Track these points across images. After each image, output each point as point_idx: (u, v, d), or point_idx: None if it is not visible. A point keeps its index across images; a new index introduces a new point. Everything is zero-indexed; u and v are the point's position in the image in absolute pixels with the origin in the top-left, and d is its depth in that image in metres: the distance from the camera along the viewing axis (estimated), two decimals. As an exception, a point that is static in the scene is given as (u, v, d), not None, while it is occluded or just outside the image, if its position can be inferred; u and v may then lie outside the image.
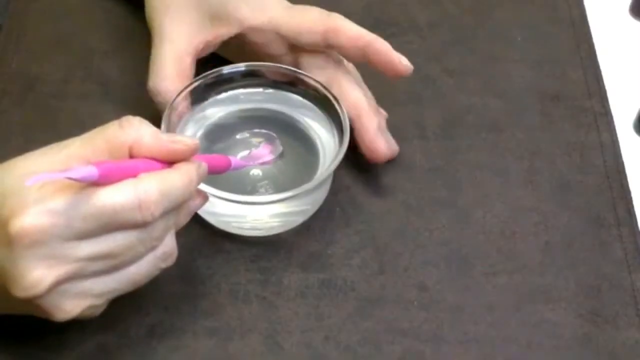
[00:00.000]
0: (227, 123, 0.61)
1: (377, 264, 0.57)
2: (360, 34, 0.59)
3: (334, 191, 0.60)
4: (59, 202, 0.44)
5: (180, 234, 0.57)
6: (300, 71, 0.60)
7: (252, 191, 0.58)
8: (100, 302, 0.48)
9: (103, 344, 0.53)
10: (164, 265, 0.49)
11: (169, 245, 0.49)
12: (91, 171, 0.43)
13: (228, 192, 0.54)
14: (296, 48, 0.61)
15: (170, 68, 0.59)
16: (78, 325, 0.53)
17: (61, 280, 0.45)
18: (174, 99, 0.57)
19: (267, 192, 0.57)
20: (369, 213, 0.60)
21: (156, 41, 0.60)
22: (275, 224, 0.58)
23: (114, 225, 0.45)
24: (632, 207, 0.60)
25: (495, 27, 0.72)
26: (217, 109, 0.61)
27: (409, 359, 0.53)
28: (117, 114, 0.63)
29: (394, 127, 0.64)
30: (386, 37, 0.70)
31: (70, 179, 0.42)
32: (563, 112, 0.66)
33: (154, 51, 0.60)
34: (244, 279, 0.56)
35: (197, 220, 0.58)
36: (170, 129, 0.56)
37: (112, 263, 0.47)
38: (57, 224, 0.44)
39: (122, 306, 0.54)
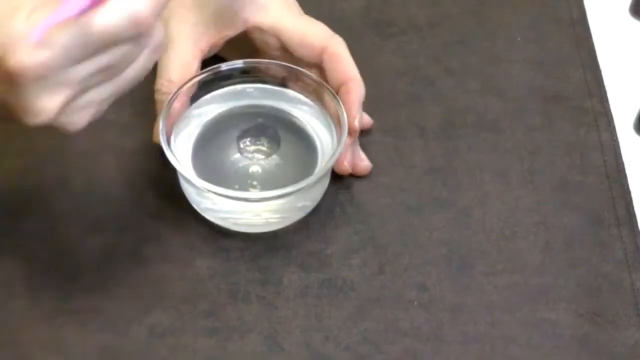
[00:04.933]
0: (225, 119, 0.61)
1: (377, 264, 0.57)
2: (350, 71, 0.59)
3: (334, 191, 0.60)
4: (56, 35, 0.44)
5: (180, 234, 0.58)
6: (297, 67, 0.60)
7: (251, 187, 0.58)
8: (104, 107, 0.49)
9: (103, 344, 0.53)
10: (157, 56, 0.50)
11: (159, 35, 0.48)
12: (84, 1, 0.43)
13: (226, 188, 0.54)
14: (292, 56, 0.61)
15: (177, 72, 0.59)
16: (78, 325, 0.53)
17: (66, 102, 0.46)
18: (172, 96, 0.57)
19: (265, 188, 0.57)
20: (369, 213, 0.60)
21: None
22: (274, 220, 0.58)
23: (112, 44, 0.46)
24: (632, 207, 0.60)
25: (495, 27, 0.72)
26: (215, 106, 0.61)
27: (409, 359, 0.53)
28: (117, 114, 0.64)
29: (394, 127, 0.64)
30: (386, 37, 0.70)
31: (68, 18, 0.43)
32: (563, 112, 0.66)
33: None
34: (244, 279, 0.56)
35: (196, 219, 0.58)
36: (168, 126, 0.57)
37: (111, 72, 0.47)
38: (56, 57, 0.44)
39: (122, 306, 0.54)
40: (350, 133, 0.59)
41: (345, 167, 0.60)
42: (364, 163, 0.61)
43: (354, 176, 0.61)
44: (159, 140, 0.56)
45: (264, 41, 0.61)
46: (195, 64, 0.60)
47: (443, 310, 0.55)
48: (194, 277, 0.56)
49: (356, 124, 0.59)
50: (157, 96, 0.59)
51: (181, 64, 0.59)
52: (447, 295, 0.56)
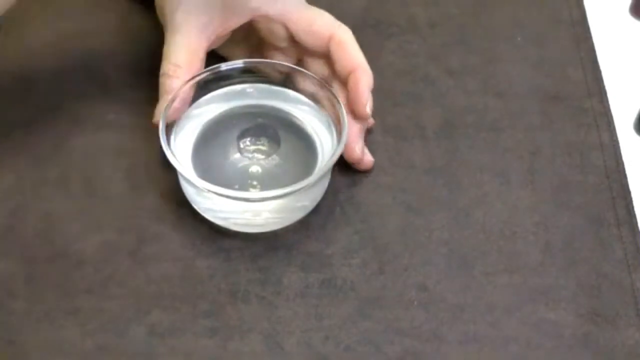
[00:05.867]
0: (225, 120, 0.61)
1: (377, 264, 0.57)
2: (357, 59, 0.60)
3: (334, 190, 0.60)
4: None
5: (179, 233, 0.58)
6: (298, 67, 0.60)
7: (251, 187, 0.58)
8: None
9: (103, 344, 0.53)
10: None
11: None
12: None
13: (226, 188, 0.54)
14: (298, 45, 0.61)
15: (184, 57, 0.59)
16: (78, 324, 0.53)
17: None
18: (173, 96, 0.57)
19: (265, 188, 0.57)
20: (369, 213, 0.60)
21: (169, 31, 0.60)
22: (274, 220, 0.58)
23: None
24: (632, 207, 0.61)
25: (495, 27, 0.72)
26: (215, 106, 0.61)
27: (409, 359, 0.53)
28: (117, 114, 0.64)
29: (394, 127, 0.64)
30: (386, 37, 0.70)
31: None
32: (563, 112, 0.66)
33: (167, 41, 0.60)
34: (243, 278, 0.56)
35: (196, 219, 0.58)
36: (168, 126, 0.57)
37: None
38: None
39: (122, 306, 0.54)
40: (360, 119, 0.59)
41: (357, 153, 0.60)
42: (367, 157, 0.61)
43: (356, 171, 0.61)
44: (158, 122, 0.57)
45: (270, 31, 0.61)
46: (202, 52, 0.60)
47: (443, 310, 0.55)
48: (194, 277, 0.56)
49: (367, 110, 0.59)
50: (163, 79, 0.59)
51: (188, 50, 0.59)
52: (447, 295, 0.56)
